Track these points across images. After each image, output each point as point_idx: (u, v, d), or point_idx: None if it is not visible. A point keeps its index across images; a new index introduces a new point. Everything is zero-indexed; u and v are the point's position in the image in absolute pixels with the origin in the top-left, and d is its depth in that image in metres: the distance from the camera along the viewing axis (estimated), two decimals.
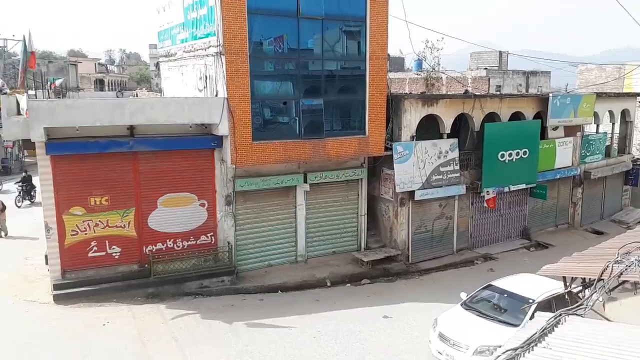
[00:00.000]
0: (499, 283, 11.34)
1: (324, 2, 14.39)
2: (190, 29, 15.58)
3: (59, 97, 22.42)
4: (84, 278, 13.14)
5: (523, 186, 19.26)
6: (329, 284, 14.90)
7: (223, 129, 13.61)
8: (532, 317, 9.02)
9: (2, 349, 10.28)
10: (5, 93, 13.20)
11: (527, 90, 32.58)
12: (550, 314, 6.39)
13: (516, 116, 19.10)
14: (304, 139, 14.73)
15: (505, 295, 10.82)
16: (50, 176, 12.82)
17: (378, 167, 17.10)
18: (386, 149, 16.10)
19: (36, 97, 16.00)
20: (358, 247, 17.01)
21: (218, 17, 13.15)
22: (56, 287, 12.78)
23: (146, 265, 13.60)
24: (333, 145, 15.14)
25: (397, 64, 39.62)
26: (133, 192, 13.66)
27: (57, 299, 12.58)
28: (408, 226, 16.98)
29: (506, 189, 18.71)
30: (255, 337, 11.03)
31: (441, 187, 17.07)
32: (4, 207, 18.56)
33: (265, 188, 14.97)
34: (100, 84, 62.14)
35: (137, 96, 27.14)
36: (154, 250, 13.83)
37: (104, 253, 13.47)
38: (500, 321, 10.20)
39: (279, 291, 14.22)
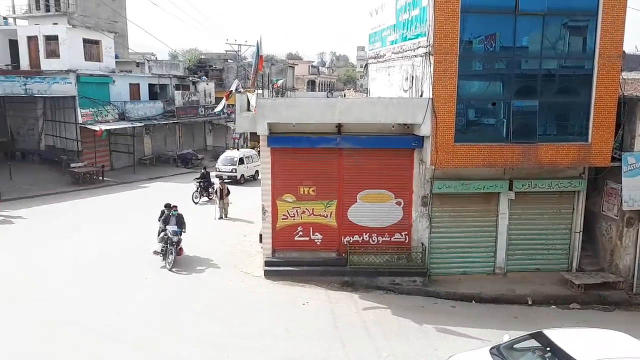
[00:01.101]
0: (553, 333, 8.59)
1: None
2: (401, 31, 15.87)
3: (279, 96, 25.12)
4: (290, 258, 14.53)
5: None
6: (530, 302, 13.68)
7: (425, 130, 13.56)
8: None
9: (222, 310, 12.02)
10: (240, 92, 15.27)
11: None
12: None
13: None
14: (512, 142, 13.74)
15: (549, 350, 8.11)
16: (269, 165, 14.48)
17: (601, 179, 15.02)
18: (613, 159, 14.06)
19: (263, 96, 18.24)
20: (568, 267, 15.24)
21: (430, 18, 13.11)
22: (267, 263, 14.41)
23: (343, 255, 14.41)
24: (547, 151, 13.80)
25: (634, 62, 34.12)
26: (336, 185, 14.58)
27: (267, 274, 14.20)
28: (635, 250, 14.56)
29: None
30: (445, 342, 10.75)
31: None
32: (229, 192, 21.12)
33: (464, 192, 14.44)
34: (311, 85, 67.75)
35: (345, 96, 28.80)
36: (351, 241, 14.57)
37: (307, 238, 14.70)
38: None
39: (473, 301, 13.61)
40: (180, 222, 15.24)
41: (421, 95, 14.04)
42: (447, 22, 12.98)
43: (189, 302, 12.36)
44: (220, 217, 20.67)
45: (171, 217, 15.25)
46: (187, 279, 13.96)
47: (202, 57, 58.26)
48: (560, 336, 8.42)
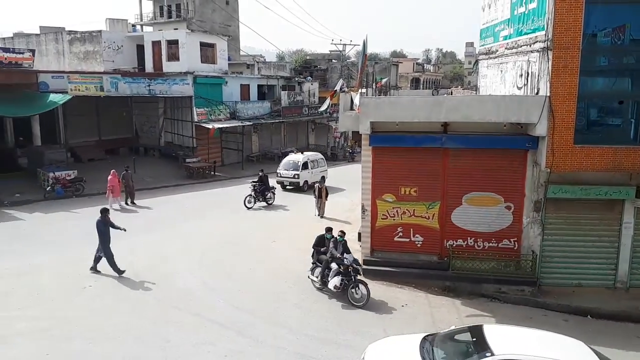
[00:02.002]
0: (491, 327, 8.43)
1: None
2: (516, 25, 14.96)
3: (382, 95, 24.96)
4: (388, 259, 14.37)
5: None
6: None
7: (540, 130, 12.66)
8: None
9: (320, 304, 12.18)
10: (344, 91, 15.41)
11: None
12: None
13: None
14: None
15: (474, 340, 7.89)
16: (370, 164, 14.42)
17: None
18: None
19: (366, 95, 18.22)
20: None
21: (550, 10, 12.21)
22: (365, 262, 14.38)
23: (445, 259, 13.95)
24: None
25: None
26: (440, 186, 14.13)
27: (365, 273, 14.12)
28: None
29: None
30: None
31: None
32: (327, 193, 21.03)
33: (582, 198, 13.24)
34: (415, 83, 66.54)
35: (451, 94, 27.88)
36: (454, 245, 14.05)
37: (407, 240, 14.43)
38: None
39: (588, 316, 12.50)
40: (347, 249, 12.88)
41: (537, 93, 13.14)
42: (569, 15, 12.01)
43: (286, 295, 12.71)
44: (318, 215, 20.74)
45: (338, 244, 12.86)
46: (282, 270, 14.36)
47: (308, 57, 59.85)
48: (494, 330, 8.35)
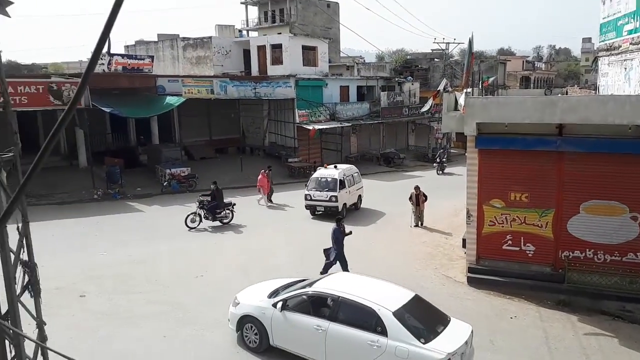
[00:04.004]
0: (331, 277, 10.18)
1: None
2: None
3: (489, 95, 23.86)
4: (495, 268, 13.65)
5: None
6: None
7: None
8: None
9: None
10: (448, 91, 14.93)
11: None
12: None
13: None
14: None
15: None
16: (476, 168, 13.80)
17: None
18: None
19: (471, 95, 17.51)
20: None
21: None
22: (470, 270, 13.82)
23: (560, 271, 12.95)
24: None
25: None
26: (554, 193, 13.14)
27: (470, 281, 13.61)
28: None
29: None
30: None
31: None
32: (426, 198, 19.57)
33: None
34: (525, 81, 62.79)
35: (566, 93, 25.92)
36: (570, 256, 13.00)
37: (517, 248, 13.61)
38: None
39: None
40: None
41: None
42: None
43: None
44: (416, 225, 19.37)
45: None
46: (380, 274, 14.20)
47: (408, 57, 58.95)
48: (334, 276, 10.27)
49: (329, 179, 20.70)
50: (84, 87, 1.68)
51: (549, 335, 10.72)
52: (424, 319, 8.59)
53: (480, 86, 26.56)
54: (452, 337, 8.21)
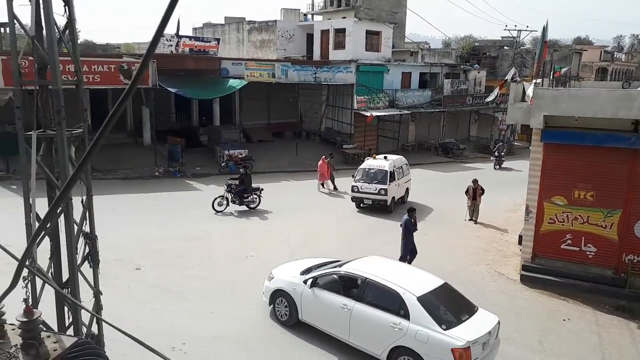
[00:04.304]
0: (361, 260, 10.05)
1: None
2: None
3: (560, 86, 22.56)
4: (552, 267, 13.06)
5: None
6: None
7: None
8: None
9: None
10: (515, 81, 14.26)
11: None
12: None
13: None
14: None
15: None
16: (539, 162, 13.17)
17: None
18: None
19: (541, 85, 16.62)
20: None
21: None
22: (525, 268, 13.28)
23: (622, 275, 12.21)
24: None
25: None
26: (623, 193, 12.34)
27: (524, 279, 13.10)
28: None
29: None
30: None
31: None
32: (483, 191, 18.80)
33: None
34: (602, 73, 58.89)
35: None
36: (634, 260, 12.21)
37: (577, 249, 12.93)
38: None
39: None
40: None
41: None
42: None
43: None
44: (471, 219, 18.79)
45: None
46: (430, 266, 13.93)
47: (476, 44, 56.79)
48: (364, 259, 10.08)
49: (378, 171, 19.43)
50: (144, 67, 1.74)
51: (604, 341, 10.17)
52: (449, 306, 8.63)
53: (551, 77, 25.19)
54: (475, 326, 8.18)
